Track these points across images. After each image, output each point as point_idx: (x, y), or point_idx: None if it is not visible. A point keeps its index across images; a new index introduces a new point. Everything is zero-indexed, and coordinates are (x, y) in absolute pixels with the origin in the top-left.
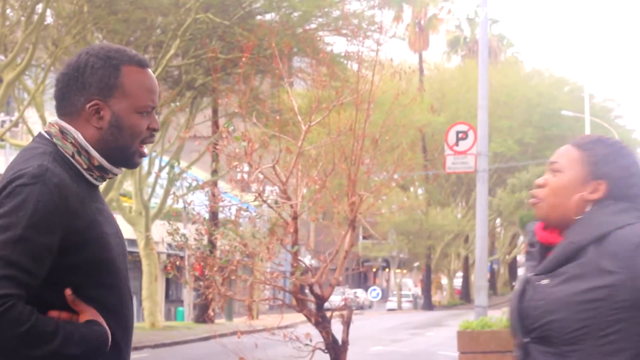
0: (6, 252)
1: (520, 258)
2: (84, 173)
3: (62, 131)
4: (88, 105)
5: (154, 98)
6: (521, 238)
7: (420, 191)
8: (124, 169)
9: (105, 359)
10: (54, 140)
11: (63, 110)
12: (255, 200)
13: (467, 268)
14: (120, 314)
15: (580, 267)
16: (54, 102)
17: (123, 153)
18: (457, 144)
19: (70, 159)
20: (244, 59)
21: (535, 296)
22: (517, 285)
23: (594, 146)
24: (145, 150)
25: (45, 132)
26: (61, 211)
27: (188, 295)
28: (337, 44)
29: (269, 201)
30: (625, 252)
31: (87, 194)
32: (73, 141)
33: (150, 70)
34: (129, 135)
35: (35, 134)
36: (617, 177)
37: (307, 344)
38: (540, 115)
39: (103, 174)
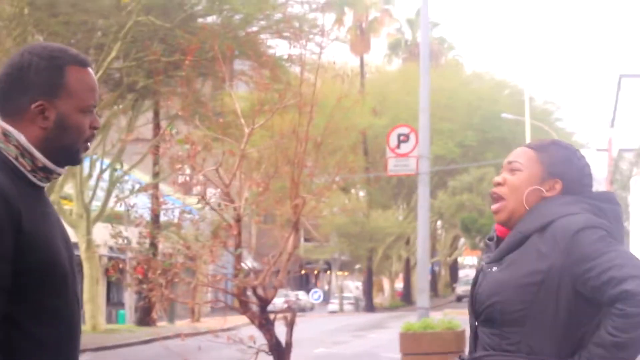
0: None
1: (461, 260)
2: (28, 175)
3: (5, 133)
4: (33, 106)
5: (95, 97)
6: (462, 240)
7: (361, 193)
8: (67, 168)
9: None
10: None
11: (5, 110)
12: (198, 202)
13: (408, 270)
14: (67, 317)
15: (522, 253)
16: None
17: (68, 152)
18: (398, 147)
19: (14, 161)
20: (187, 62)
21: (484, 282)
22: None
23: (551, 148)
24: (88, 146)
25: None
26: (9, 216)
27: (130, 298)
28: (279, 47)
29: (212, 204)
30: (563, 238)
31: (31, 197)
32: (16, 143)
33: (91, 69)
34: (73, 134)
35: None
36: (572, 177)
37: (250, 347)
38: (481, 118)
39: (47, 174)
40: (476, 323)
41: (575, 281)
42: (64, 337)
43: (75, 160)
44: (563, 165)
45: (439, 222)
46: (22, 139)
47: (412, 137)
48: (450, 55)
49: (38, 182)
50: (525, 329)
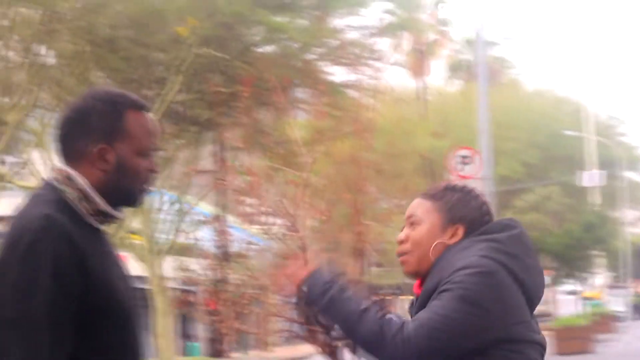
0: (44, 314)
1: None
2: (88, 218)
3: (69, 178)
4: (94, 149)
5: (154, 141)
6: None
7: None
8: (127, 210)
9: None
10: (60, 186)
11: (67, 153)
12: (263, 233)
13: None
14: (130, 354)
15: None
16: None
17: (127, 194)
18: (460, 169)
19: (75, 205)
20: (245, 94)
21: None
22: None
23: (445, 194)
24: (147, 188)
25: (51, 178)
26: (74, 258)
27: (202, 330)
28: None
29: (276, 234)
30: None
31: (92, 238)
32: (78, 187)
33: (150, 114)
34: (132, 177)
35: (41, 175)
36: (472, 218)
37: None
38: (544, 136)
39: (106, 218)
40: None
41: None
42: None
43: (134, 203)
44: (461, 210)
45: None
46: (83, 183)
47: (477, 159)
48: (510, 74)
49: (97, 225)
50: None
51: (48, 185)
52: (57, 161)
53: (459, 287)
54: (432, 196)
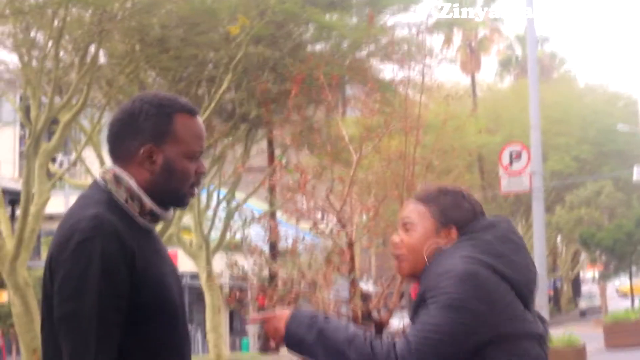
0: (93, 311)
1: (583, 275)
2: (137, 218)
3: (117, 178)
4: (142, 150)
5: (202, 144)
6: (583, 255)
7: None
8: (174, 210)
9: None
10: (109, 186)
11: (117, 153)
12: (310, 230)
13: None
14: (175, 350)
15: (422, 309)
16: None
17: (174, 195)
18: (511, 165)
19: (124, 204)
20: (293, 92)
21: None
22: None
23: (438, 197)
24: (195, 190)
25: (101, 179)
26: (124, 256)
27: (252, 326)
28: (387, 70)
29: (324, 230)
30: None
31: (142, 236)
32: (127, 187)
33: (199, 118)
34: (179, 178)
35: (93, 173)
36: (465, 220)
37: None
38: (596, 131)
39: (154, 218)
40: None
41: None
42: None
43: (182, 204)
44: (453, 213)
45: (559, 238)
46: (132, 183)
47: (524, 154)
48: (562, 69)
49: (146, 224)
50: None
51: (97, 186)
52: (108, 161)
53: (443, 294)
54: (425, 200)
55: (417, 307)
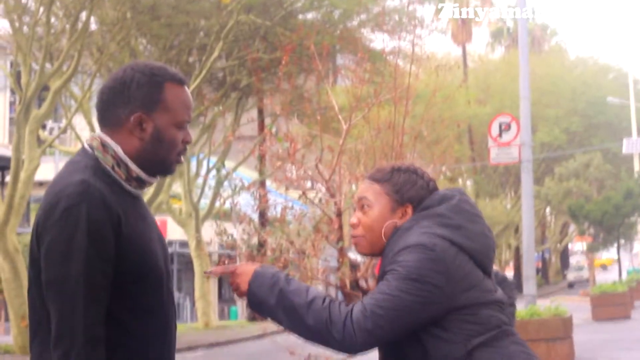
0: (80, 275)
1: (572, 246)
2: (123, 184)
3: (103, 144)
4: (132, 118)
5: (190, 113)
6: (572, 226)
7: (469, 183)
8: (161, 176)
9: (142, 356)
10: (95, 153)
11: (106, 121)
12: (299, 198)
13: (518, 258)
14: (160, 314)
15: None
16: None
17: (161, 163)
18: (500, 136)
19: (110, 170)
20: (283, 61)
21: None
22: None
23: (392, 176)
24: (182, 159)
25: (88, 145)
26: (110, 221)
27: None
28: (379, 41)
29: (313, 199)
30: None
31: (128, 202)
32: (113, 154)
33: (187, 88)
34: (167, 147)
35: (83, 140)
36: (420, 197)
37: None
38: (586, 103)
39: (140, 183)
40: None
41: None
42: (160, 332)
43: (168, 172)
44: (408, 190)
45: (548, 209)
46: (118, 150)
47: (514, 125)
48: (554, 41)
49: (132, 190)
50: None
51: (84, 152)
52: (98, 129)
53: (401, 266)
54: (380, 179)
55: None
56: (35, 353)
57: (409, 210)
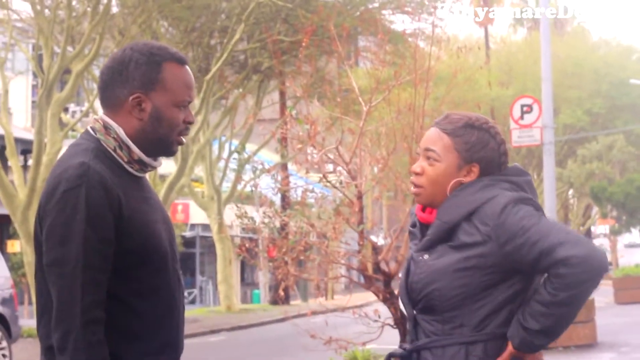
0: (79, 257)
1: (595, 229)
2: (125, 166)
3: (106, 126)
4: (131, 98)
5: (191, 93)
6: (595, 209)
7: None
8: (167, 157)
9: (149, 337)
10: (98, 135)
11: (107, 101)
12: (319, 181)
13: None
14: (166, 295)
15: (452, 242)
16: None
17: (162, 143)
18: (522, 118)
19: (112, 153)
20: (304, 43)
21: (417, 271)
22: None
23: (465, 132)
24: (184, 139)
25: (91, 127)
26: (109, 203)
27: (264, 277)
28: (399, 22)
29: (334, 182)
30: (490, 222)
31: (129, 184)
32: (115, 136)
33: (188, 67)
34: (167, 127)
35: None
36: (489, 159)
37: (376, 320)
38: (609, 85)
39: (142, 167)
40: (414, 311)
41: (507, 259)
42: (165, 313)
43: (169, 152)
44: (479, 150)
45: (571, 192)
46: (120, 132)
47: (535, 107)
48: (576, 22)
49: (135, 172)
50: (464, 310)
51: (87, 134)
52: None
53: (528, 209)
54: (452, 132)
55: (444, 233)
56: (43, 334)
57: (475, 169)
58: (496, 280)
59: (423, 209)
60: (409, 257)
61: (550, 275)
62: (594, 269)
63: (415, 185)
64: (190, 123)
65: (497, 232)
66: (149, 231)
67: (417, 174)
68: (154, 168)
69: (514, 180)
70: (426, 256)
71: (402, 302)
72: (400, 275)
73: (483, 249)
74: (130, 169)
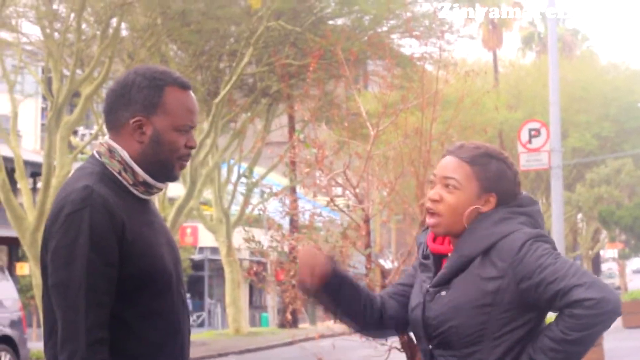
0: (82, 280)
1: (603, 253)
2: (131, 188)
3: (110, 150)
4: (132, 121)
5: (193, 118)
6: (603, 233)
7: None
8: (170, 182)
9: (151, 359)
10: (103, 159)
11: (110, 124)
12: (327, 205)
13: None
14: (170, 317)
15: (469, 276)
16: None
17: (163, 167)
18: (529, 142)
19: (117, 175)
20: (312, 67)
21: (434, 306)
22: (416, 297)
23: (485, 161)
24: (185, 163)
25: (96, 152)
26: (112, 227)
27: (272, 300)
28: (409, 46)
29: (340, 205)
30: (507, 258)
31: (134, 207)
32: (119, 159)
33: (191, 93)
34: (168, 150)
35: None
36: (506, 189)
37: (382, 344)
38: (617, 108)
39: (148, 189)
40: (430, 346)
41: (523, 296)
42: (169, 336)
43: (171, 176)
44: (497, 180)
45: (579, 216)
46: (125, 154)
47: (543, 131)
48: (585, 46)
49: (140, 195)
50: (483, 346)
51: (93, 158)
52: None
53: (546, 247)
54: (471, 161)
55: (461, 266)
56: (50, 356)
57: (492, 199)
58: (514, 317)
59: (434, 239)
60: (423, 291)
61: (564, 314)
62: (607, 312)
63: (433, 214)
64: (192, 147)
65: (514, 269)
66: (152, 254)
67: (435, 201)
68: (159, 190)
69: (529, 211)
70: (443, 292)
71: (416, 336)
72: (411, 305)
73: (500, 284)
74: (135, 192)
